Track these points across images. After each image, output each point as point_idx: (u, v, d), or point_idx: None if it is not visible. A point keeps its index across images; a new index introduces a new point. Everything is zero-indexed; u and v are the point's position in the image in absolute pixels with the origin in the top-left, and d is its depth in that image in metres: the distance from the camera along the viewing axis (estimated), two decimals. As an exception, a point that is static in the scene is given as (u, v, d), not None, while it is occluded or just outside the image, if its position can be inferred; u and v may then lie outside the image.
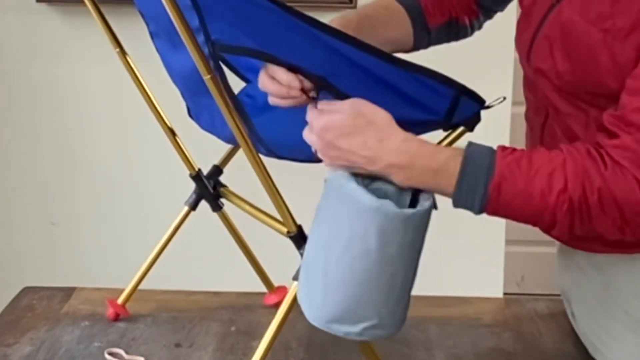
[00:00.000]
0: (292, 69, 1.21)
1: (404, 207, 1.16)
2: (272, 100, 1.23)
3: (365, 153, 1.17)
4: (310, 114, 1.20)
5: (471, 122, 1.32)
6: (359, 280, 1.16)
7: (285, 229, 1.31)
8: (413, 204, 1.19)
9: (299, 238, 1.29)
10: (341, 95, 1.24)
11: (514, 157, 1.16)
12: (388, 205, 1.14)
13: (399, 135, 1.18)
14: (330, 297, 1.18)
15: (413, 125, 1.30)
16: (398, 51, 1.43)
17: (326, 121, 1.18)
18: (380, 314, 1.18)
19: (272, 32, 1.19)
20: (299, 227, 1.30)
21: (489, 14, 1.54)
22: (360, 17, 1.40)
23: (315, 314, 1.20)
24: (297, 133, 1.23)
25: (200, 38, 1.16)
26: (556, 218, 1.15)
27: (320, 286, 1.18)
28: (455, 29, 1.50)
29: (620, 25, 1.17)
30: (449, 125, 1.31)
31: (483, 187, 1.15)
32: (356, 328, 1.18)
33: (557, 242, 1.45)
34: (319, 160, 1.24)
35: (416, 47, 1.48)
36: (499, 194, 1.15)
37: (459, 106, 1.27)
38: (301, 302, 1.23)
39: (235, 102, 1.22)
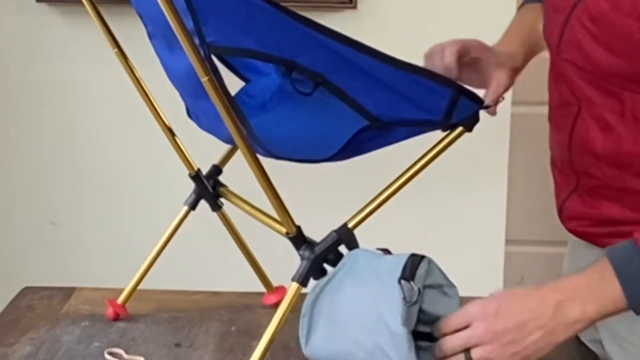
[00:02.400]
0: (290, 66, 1.20)
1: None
2: None
3: (540, 307, 1.16)
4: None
5: (470, 122, 1.32)
6: None
7: (284, 229, 1.31)
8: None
9: (298, 239, 1.29)
10: (340, 93, 1.24)
11: None
12: None
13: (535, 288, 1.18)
14: None
15: (412, 125, 1.30)
16: None
17: (486, 336, 1.17)
18: None
19: (269, 31, 1.19)
20: (298, 228, 1.30)
21: None
22: (527, 34, 1.42)
23: None
24: (295, 133, 1.23)
25: (196, 41, 1.16)
26: None
27: None
28: None
29: None
30: (447, 125, 1.31)
31: None
32: None
33: (570, 240, 1.44)
34: (317, 160, 1.23)
35: None
36: None
37: (458, 106, 1.27)
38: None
39: (233, 103, 1.22)
